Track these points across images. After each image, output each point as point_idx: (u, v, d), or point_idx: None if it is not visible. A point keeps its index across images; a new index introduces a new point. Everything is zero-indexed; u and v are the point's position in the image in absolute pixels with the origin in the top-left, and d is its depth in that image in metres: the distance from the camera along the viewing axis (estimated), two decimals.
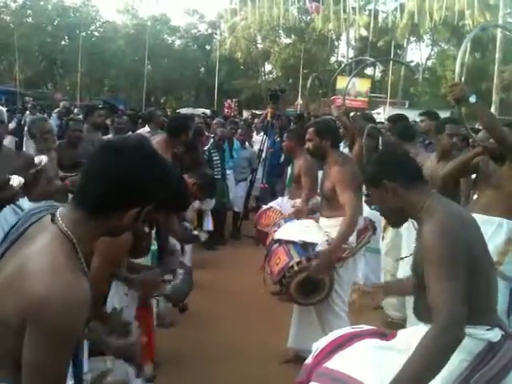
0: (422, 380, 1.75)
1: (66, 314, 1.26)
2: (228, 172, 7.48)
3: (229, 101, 22.22)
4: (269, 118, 8.32)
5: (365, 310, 4.65)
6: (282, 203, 5.36)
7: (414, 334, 1.99)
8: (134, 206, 1.43)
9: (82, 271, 1.38)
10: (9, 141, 8.01)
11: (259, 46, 37.99)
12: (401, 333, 2.17)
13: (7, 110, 13.86)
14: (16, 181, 3.04)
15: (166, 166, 1.51)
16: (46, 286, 1.27)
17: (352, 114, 5.81)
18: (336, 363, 1.97)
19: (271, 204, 5.38)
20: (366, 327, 2.27)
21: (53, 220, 1.41)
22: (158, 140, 4.62)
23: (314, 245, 3.64)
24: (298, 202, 5.09)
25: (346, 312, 3.80)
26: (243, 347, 4.20)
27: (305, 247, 3.64)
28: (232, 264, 6.41)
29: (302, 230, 3.81)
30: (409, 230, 3.99)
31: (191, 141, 5.37)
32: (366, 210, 4.42)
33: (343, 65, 28.21)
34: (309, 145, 3.82)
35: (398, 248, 4.73)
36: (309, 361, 2.11)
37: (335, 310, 3.74)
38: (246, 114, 19.17)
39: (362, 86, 27.81)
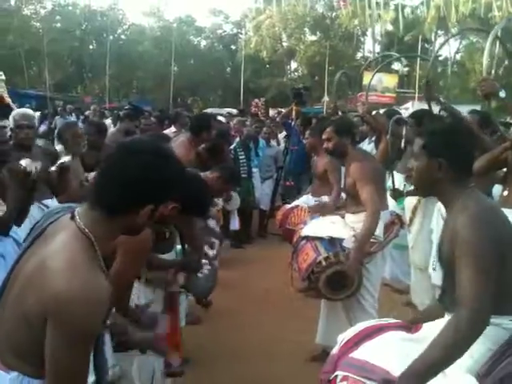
0: (439, 367, 1.77)
1: (85, 311, 1.30)
2: (254, 170, 7.51)
3: (256, 100, 22.24)
4: (293, 115, 8.31)
5: (395, 307, 4.66)
6: (308, 201, 5.34)
7: (439, 326, 1.97)
8: (147, 204, 1.46)
9: (100, 269, 1.42)
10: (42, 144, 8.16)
11: (284, 44, 37.87)
12: (426, 325, 2.16)
13: (41, 114, 14.21)
14: (28, 165, 3.07)
15: (180, 164, 1.55)
16: (66, 283, 1.30)
17: (374, 112, 5.76)
18: (362, 353, 1.97)
19: (297, 202, 5.36)
20: (392, 320, 2.26)
21: (72, 218, 1.44)
22: (182, 139, 4.67)
23: (341, 240, 3.65)
24: (325, 198, 5.08)
25: (376, 308, 3.79)
26: (271, 344, 4.22)
27: (332, 243, 3.65)
28: (259, 262, 6.43)
29: (329, 225, 3.82)
30: (438, 224, 3.95)
31: (215, 143, 5.36)
32: (393, 205, 4.40)
33: (368, 60, 27.93)
34: (328, 144, 3.77)
35: (425, 241, 4.69)
36: (335, 351, 2.11)
37: (364, 306, 3.73)
38: (272, 112, 19.13)
39: (389, 81, 27.44)
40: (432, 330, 2.04)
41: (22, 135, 3.94)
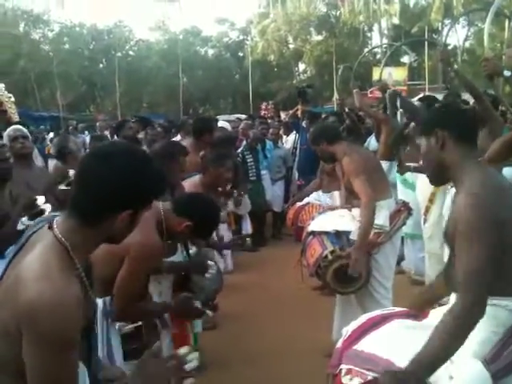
0: (443, 356, 1.71)
1: (56, 318, 1.27)
2: (263, 172, 7.47)
3: (265, 103, 22.29)
4: (299, 115, 8.27)
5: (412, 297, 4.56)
6: (319, 197, 5.28)
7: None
8: (124, 209, 1.42)
9: (77, 277, 1.39)
10: (54, 163, 8.23)
11: (291, 46, 37.82)
12: (433, 312, 2.10)
13: (55, 134, 14.37)
14: (41, 200, 3.11)
15: (156, 166, 1.50)
16: (37, 293, 1.29)
17: (389, 90, 5.79)
18: (365, 345, 1.93)
19: (308, 200, 5.29)
20: (397, 309, 2.21)
21: (50, 228, 1.42)
22: (184, 144, 4.65)
23: (347, 233, 3.62)
24: (336, 193, 5.03)
25: (390, 299, 3.71)
26: (287, 345, 4.18)
27: (338, 236, 3.63)
28: (274, 264, 6.36)
29: (335, 219, 3.79)
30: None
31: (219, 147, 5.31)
32: (402, 192, 4.33)
33: (371, 48, 27.85)
34: (319, 156, 4.00)
35: (441, 228, 4.59)
36: (339, 344, 2.07)
37: (377, 298, 3.67)
38: (283, 115, 19.06)
39: (398, 74, 27.24)
40: (439, 315, 1.97)
41: (19, 145, 3.96)
